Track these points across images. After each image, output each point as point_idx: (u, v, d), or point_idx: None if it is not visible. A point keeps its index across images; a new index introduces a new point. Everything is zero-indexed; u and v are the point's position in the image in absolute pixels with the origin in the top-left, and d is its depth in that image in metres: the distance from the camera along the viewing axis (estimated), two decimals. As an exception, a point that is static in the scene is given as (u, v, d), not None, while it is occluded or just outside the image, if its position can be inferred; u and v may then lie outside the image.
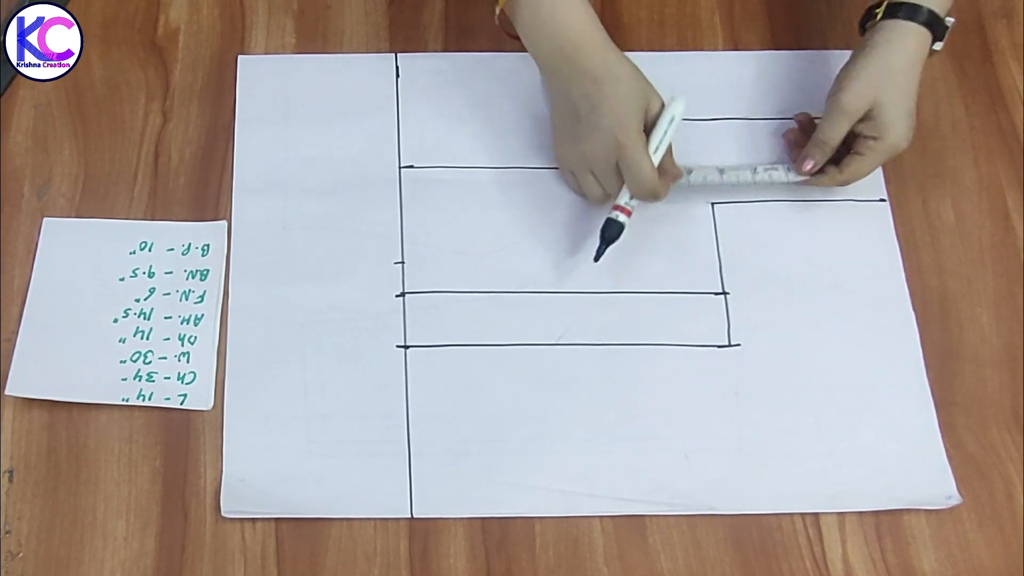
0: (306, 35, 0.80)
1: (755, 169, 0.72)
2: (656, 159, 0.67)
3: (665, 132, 0.68)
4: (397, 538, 0.64)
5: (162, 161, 0.75)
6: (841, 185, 0.71)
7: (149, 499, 0.65)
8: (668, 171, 0.69)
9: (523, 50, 0.71)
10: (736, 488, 0.65)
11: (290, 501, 0.65)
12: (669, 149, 0.69)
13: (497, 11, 0.70)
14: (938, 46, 0.69)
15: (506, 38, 0.73)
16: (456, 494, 0.65)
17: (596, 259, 0.69)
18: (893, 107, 0.67)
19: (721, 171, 0.72)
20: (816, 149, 0.71)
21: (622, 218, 0.68)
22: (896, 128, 0.68)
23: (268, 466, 0.65)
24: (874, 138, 0.68)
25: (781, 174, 0.72)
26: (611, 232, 0.68)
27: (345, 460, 0.66)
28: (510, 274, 0.71)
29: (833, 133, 0.69)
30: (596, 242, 0.69)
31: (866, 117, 0.68)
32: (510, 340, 0.69)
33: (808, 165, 0.71)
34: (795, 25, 0.81)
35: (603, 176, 0.69)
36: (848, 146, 0.70)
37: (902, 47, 0.68)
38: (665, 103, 0.68)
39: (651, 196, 0.67)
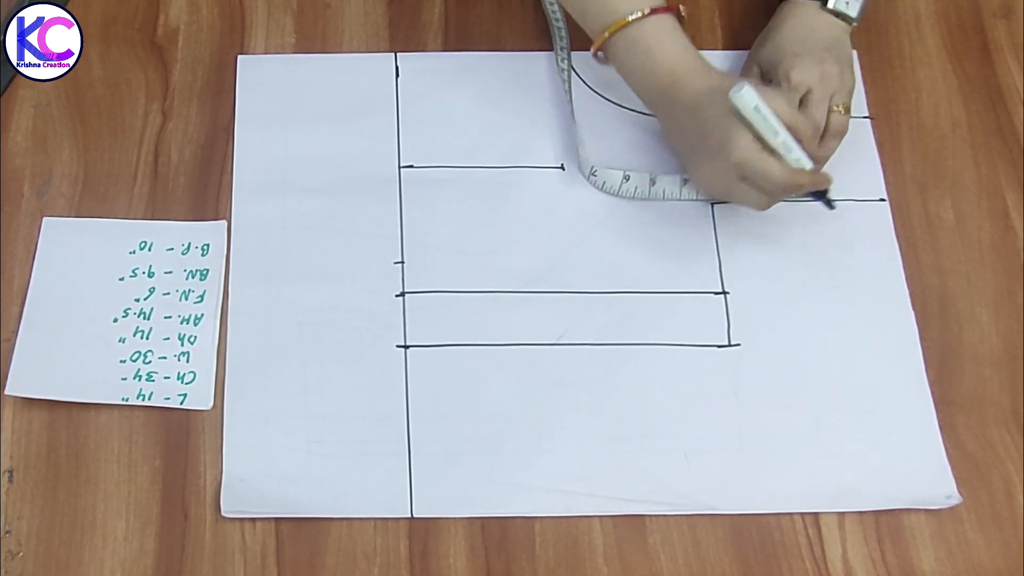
0: (306, 35, 0.80)
1: (685, 181, 0.73)
2: (782, 142, 0.63)
3: (766, 118, 0.62)
4: (397, 538, 0.64)
5: (162, 161, 0.75)
6: (824, 153, 0.69)
7: (149, 499, 0.65)
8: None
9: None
10: (736, 488, 0.65)
11: (290, 501, 0.65)
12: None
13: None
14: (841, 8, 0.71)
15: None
16: (456, 494, 0.65)
17: (831, 207, 0.68)
18: (785, 59, 0.69)
19: (653, 181, 0.72)
20: None
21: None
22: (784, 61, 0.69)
23: (268, 466, 0.65)
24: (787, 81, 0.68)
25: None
26: (821, 193, 0.67)
27: (345, 460, 0.66)
28: (510, 274, 0.71)
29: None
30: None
31: (780, 77, 0.69)
32: (510, 340, 0.69)
33: None
34: (795, 25, 0.81)
35: (751, 183, 0.65)
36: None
37: (783, 18, 0.72)
38: (734, 99, 0.62)
39: (796, 186, 0.64)
